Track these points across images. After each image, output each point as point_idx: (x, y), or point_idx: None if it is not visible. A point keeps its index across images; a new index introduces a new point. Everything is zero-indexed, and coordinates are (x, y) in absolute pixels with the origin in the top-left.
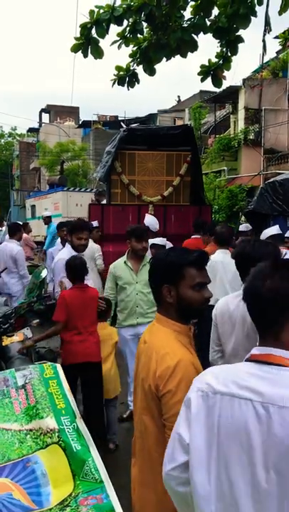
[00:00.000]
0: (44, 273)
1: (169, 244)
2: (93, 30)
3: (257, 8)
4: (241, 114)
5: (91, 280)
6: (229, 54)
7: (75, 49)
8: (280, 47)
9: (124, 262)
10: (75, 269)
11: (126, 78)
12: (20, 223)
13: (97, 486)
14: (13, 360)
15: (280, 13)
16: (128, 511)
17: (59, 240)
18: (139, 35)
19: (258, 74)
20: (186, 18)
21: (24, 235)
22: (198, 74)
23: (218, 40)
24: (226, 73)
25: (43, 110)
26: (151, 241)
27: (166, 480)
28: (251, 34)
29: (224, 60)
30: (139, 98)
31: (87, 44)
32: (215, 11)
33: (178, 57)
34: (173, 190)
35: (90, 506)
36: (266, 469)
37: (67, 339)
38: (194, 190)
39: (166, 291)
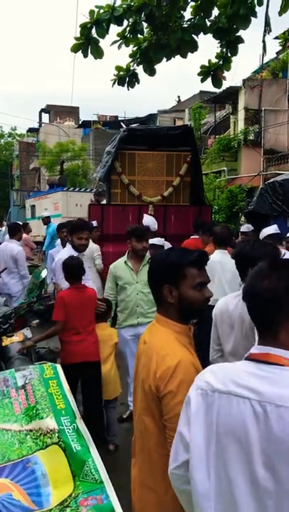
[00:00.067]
0: (44, 273)
1: (167, 245)
2: (93, 30)
3: (257, 8)
4: (241, 114)
5: (91, 280)
6: (229, 54)
7: (75, 49)
8: (280, 47)
9: (125, 262)
10: (72, 269)
11: (126, 78)
12: (20, 223)
13: (97, 487)
14: (13, 361)
15: (280, 13)
16: None
17: (59, 241)
18: (139, 36)
19: (257, 74)
20: (186, 19)
21: (24, 235)
22: (199, 74)
23: (218, 41)
24: (225, 74)
25: (42, 110)
26: (149, 241)
27: (172, 479)
28: (251, 35)
29: (224, 61)
30: (139, 98)
31: (87, 44)
32: (215, 12)
33: (178, 57)
34: (173, 190)
35: (90, 507)
36: (264, 467)
37: (66, 339)
38: (194, 191)
39: (166, 291)
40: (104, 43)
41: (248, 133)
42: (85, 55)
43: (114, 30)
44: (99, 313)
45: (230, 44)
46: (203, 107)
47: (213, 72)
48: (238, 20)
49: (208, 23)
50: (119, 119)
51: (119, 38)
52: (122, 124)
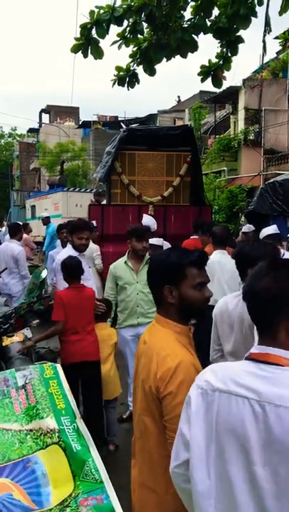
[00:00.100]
0: (44, 273)
1: (166, 245)
2: (93, 31)
3: (257, 8)
4: (241, 114)
5: (92, 281)
6: (229, 54)
7: (75, 49)
8: (280, 47)
9: (125, 262)
10: (71, 268)
11: (126, 78)
12: (21, 223)
13: (98, 487)
14: (13, 361)
15: (280, 13)
16: None
17: (59, 242)
18: (139, 36)
19: (258, 74)
20: (186, 19)
21: (24, 236)
22: (199, 74)
23: (218, 41)
24: (226, 73)
25: (43, 110)
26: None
27: (172, 477)
28: (251, 34)
29: (224, 61)
30: (139, 98)
31: (87, 44)
32: (215, 12)
33: (178, 57)
34: (173, 190)
35: (90, 507)
36: (263, 466)
37: (65, 339)
38: (194, 191)
39: (167, 291)
40: (104, 43)
41: (248, 133)
42: (85, 56)
43: (114, 30)
44: (98, 314)
45: (231, 44)
46: (203, 107)
47: (213, 72)
48: (238, 20)
49: (209, 23)
50: (119, 119)
51: (119, 38)
52: (122, 124)
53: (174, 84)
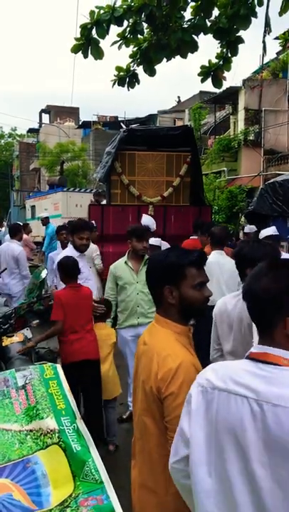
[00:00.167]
0: (44, 273)
1: (165, 245)
2: (93, 31)
3: (257, 9)
4: (241, 114)
5: (92, 281)
6: (229, 55)
7: (75, 50)
8: (280, 48)
9: (125, 262)
10: (68, 268)
11: (126, 79)
12: (21, 224)
13: (98, 487)
14: (13, 361)
15: (281, 14)
16: None
17: (59, 243)
18: (139, 36)
19: (258, 75)
20: (186, 19)
21: (24, 236)
22: (199, 75)
23: (218, 41)
24: (226, 74)
25: (43, 111)
26: None
27: (172, 473)
28: (251, 35)
29: (224, 61)
30: (139, 99)
31: (87, 45)
32: (215, 12)
33: (178, 57)
34: (173, 190)
35: (90, 507)
36: (262, 465)
37: (64, 339)
38: (194, 191)
39: (167, 292)
40: (104, 44)
41: (248, 133)
42: (85, 56)
43: (114, 30)
44: (97, 315)
45: (231, 44)
46: (203, 107)
47: (213, 72)
48: (238, 20)
49: (209, 24)
50: (119, 119)
51: (119, 39)
52: (122, 124)
53: (174, 84)
